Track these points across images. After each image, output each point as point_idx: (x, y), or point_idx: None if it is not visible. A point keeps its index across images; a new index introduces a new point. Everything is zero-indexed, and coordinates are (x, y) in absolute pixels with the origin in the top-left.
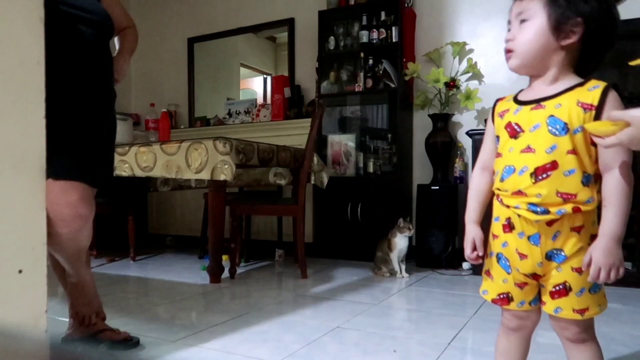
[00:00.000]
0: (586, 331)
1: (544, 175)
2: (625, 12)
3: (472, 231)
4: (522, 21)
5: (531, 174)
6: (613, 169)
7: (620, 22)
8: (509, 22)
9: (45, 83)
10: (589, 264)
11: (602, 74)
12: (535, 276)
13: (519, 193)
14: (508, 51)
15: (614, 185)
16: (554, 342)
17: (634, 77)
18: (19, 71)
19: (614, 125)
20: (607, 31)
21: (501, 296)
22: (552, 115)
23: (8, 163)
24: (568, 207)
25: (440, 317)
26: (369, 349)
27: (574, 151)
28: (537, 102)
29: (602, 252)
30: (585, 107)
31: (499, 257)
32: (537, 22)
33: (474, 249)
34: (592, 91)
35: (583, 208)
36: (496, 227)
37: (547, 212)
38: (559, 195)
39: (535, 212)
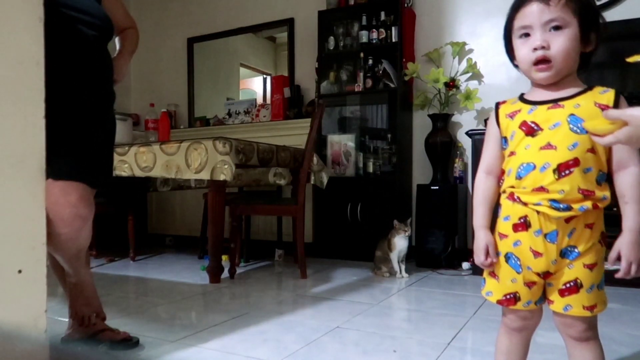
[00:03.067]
0: (591, 329)
1: (567, 172)
2: (625, 12)
3: (484, 237)
4: (556, 28)
5: (554, 170)
6: (629, 166)
7: (621, 22)
8: (530, 27)
9: (45, 84)
10: (617, 259)
11: (601, 74)
12: (545, 275)
13: (540, 189)
14: (545, 61)
15: (631, 182)
16: (554, 342)
17: (633, 77)
18: (18, 71)
19: (611, 124)
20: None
21: (508, 296)
22: (572, 114)
23: (8, 163)
24: (589, 204)
25: (440, 317)
26: (369, 349)
27: (593, 150)
28: (554, 101)
29: (632, 246)
30: (602, 108)
31: (507, 257)
32: (572, 31)
33: (487, 255)
34: (604, 94)
35: (600, 205)
36: (505, 226)
37: (569, 208)
38: (580, 191)
39: (558, 209)
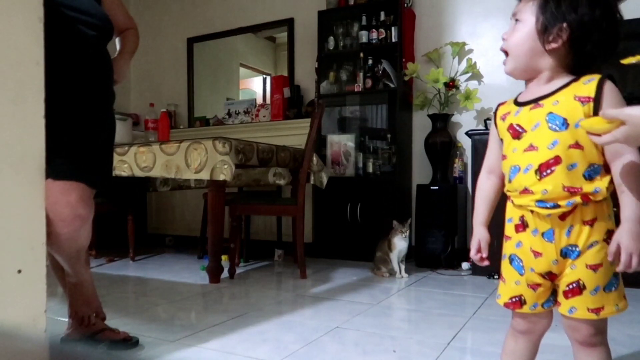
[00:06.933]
0: (598, 334)
1: (548, 171)
2: (625, 12)
3: (478, 233)
4: (516, 21)
5: (536, 171)
6: (623, 155)
7: (621, 25)
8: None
9: (45, 84)
10: (617, 253)
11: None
12: (551, 276)
13: (525, 191)
14: (504, 53)
15: (626, 170)
16: (553, 343)
17: (633, 77)
18: (18, 71)
19: (609, 122)
20: (601, 36)
21: (513, 299)
22: (550, 112)
23: (8, 163)
24: (577, 198)
25: (439, 317)
26: (369, 349)
27: (577, 145)
28: (535, 101)
29: (630, 236)
30: (583, 100)
31: (511, 259)
32: (527, 25)
33: (479, 250)
34: (588, 84)
35: (592, 197)
36: (509, 228)
37: (557, 206)
38: (565, 189)
39: (546, 207)
